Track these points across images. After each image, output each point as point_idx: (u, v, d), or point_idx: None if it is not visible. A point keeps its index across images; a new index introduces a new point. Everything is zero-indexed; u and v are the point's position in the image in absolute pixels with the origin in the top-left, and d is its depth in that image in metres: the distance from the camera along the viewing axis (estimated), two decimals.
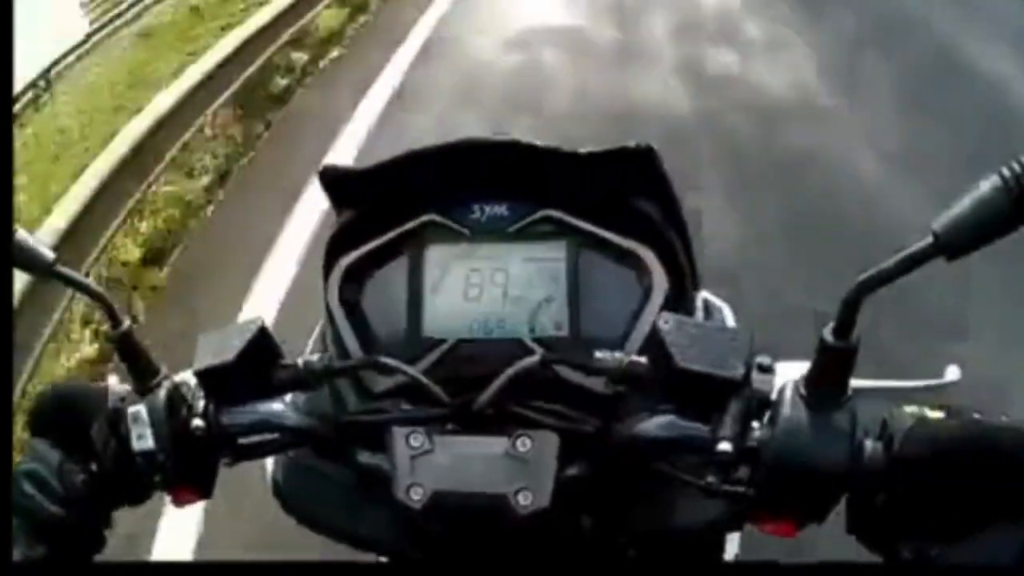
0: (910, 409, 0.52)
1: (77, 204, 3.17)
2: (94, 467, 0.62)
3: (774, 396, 0.54)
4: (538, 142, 0.64)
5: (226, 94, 4.64)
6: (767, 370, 0.55)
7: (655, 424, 0.56)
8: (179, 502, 0.65)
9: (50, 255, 0.60)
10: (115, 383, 0.67)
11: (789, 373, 0.55)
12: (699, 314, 0.71)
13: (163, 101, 4.09)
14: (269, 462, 0.73)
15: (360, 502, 0.68)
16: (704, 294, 0.73)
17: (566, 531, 0.61)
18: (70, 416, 0.64)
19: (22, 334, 2.65)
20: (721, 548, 0.82)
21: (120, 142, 3.69)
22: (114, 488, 0.63)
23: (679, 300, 0.65)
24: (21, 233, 0.60)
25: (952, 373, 0.74)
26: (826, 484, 0.51)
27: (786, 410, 0.52)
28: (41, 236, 2.88)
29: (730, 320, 0.77)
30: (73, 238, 3.07)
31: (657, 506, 0.64)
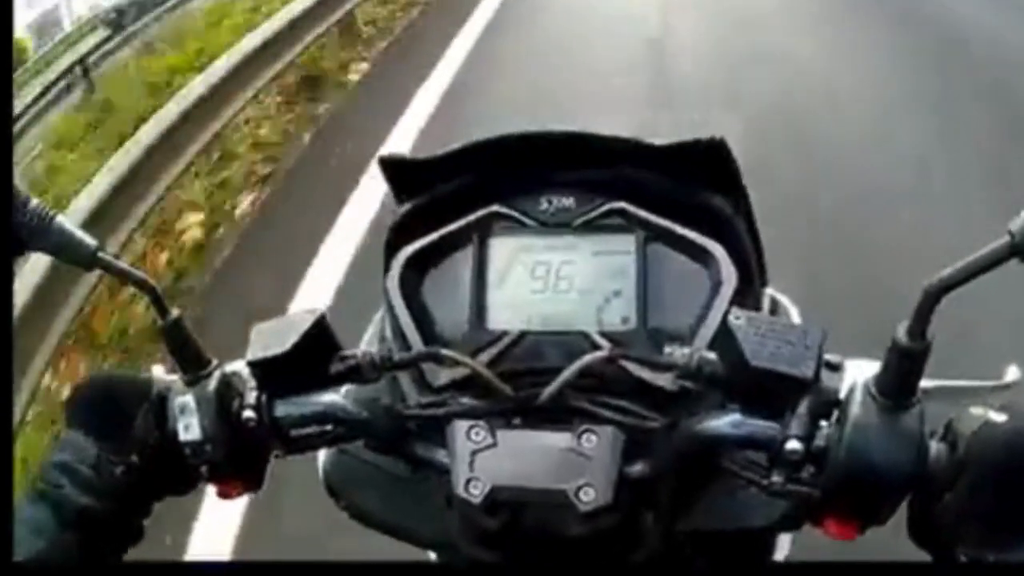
0: (976, 411, 0.52)
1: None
2: (134, 458, 0.61)
3: (843, 395, 0.53)
4: (607, 132, 0.62)
5: None
6: (836, 368, 0.54)
7: (723, 422, 0.55)
8: (225, 495, 0.64)
9: (92, 243, 0.59)
10: (159, 373, 0.66)
11: (857, 370, 0.54)
12: (765, 310, 0.69)
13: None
14: (321, 454, 0.72)
15: (414, 495, 0.67)
16: (770, 291, 0.72)
17: (627, 528, 0.60)
18: (110, 407, 0.62)
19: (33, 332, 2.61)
20: (772, 548, 0.82)
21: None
22: (156, 480, 0.62)
23: (747, 296, 0.64)
24: (59, 221, 0.58)
25: (1012, 373, 0.73)
26: (894, 486, 0.51)
27: (856, 411, 0.51)
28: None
29: (796, 317, 0.76)
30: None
31: (717, 504, 0.63)
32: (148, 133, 3.59)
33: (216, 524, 2.18)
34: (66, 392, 2.55)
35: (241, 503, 2.06)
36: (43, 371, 2.67)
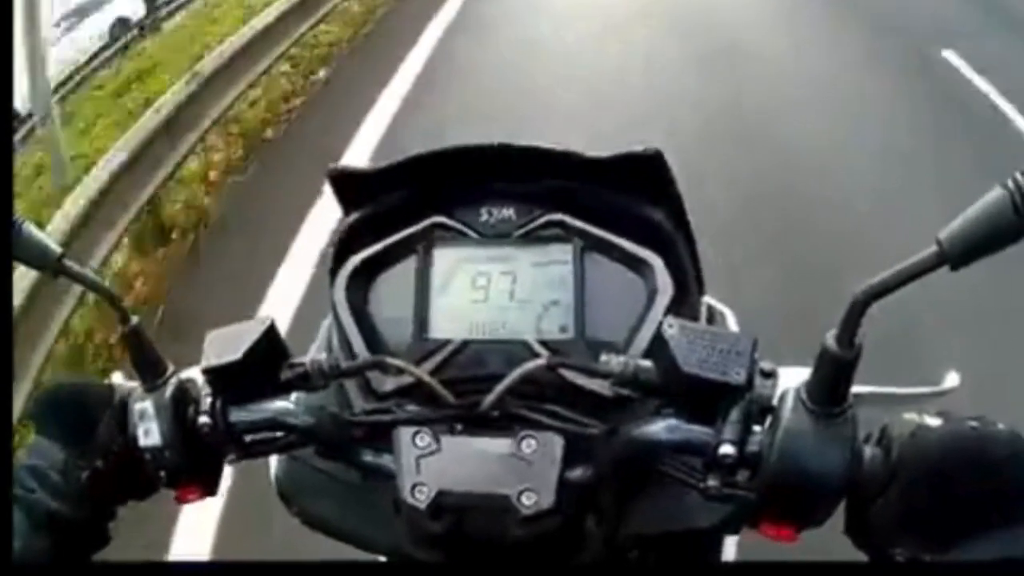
0: (909, 416, 0.53)
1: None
2: (99, 463, 0.63)
3: (776, 401, 0.54)
4: (547, 145, 0.64)
5: None
6: (769, 375, 0.56)
7: (658, 427, 0.57)
8: (183, 499, 0.66)
9: (57, 249, 0.60)
10: (121, 379, 0.68)
11: (791, 378, 0.55)
12: (703, 319, 0.71)
13: None
14: (273, 461, 0.74)
15: (364, 502, 0.68)
16: (708, 299, 0.73)
17: (569, 532, 0.61)
18: (74, 412, 0.64)
19: (28, 333, 2.63)
20: (719, 549, 0.83)
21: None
22: (119, 484, 0.64)
23: (683, 305, 0.65)
24: (26, 226, 0.59)
25: (951, 379, 0.74)
26: (825, 490, 0.52)
27: (787, 416, 0.52)
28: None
29: (733, 325, 0.78)
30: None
31: (660, 508, 0.64)
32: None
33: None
34: None
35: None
36: (39, 370, 2.69)
